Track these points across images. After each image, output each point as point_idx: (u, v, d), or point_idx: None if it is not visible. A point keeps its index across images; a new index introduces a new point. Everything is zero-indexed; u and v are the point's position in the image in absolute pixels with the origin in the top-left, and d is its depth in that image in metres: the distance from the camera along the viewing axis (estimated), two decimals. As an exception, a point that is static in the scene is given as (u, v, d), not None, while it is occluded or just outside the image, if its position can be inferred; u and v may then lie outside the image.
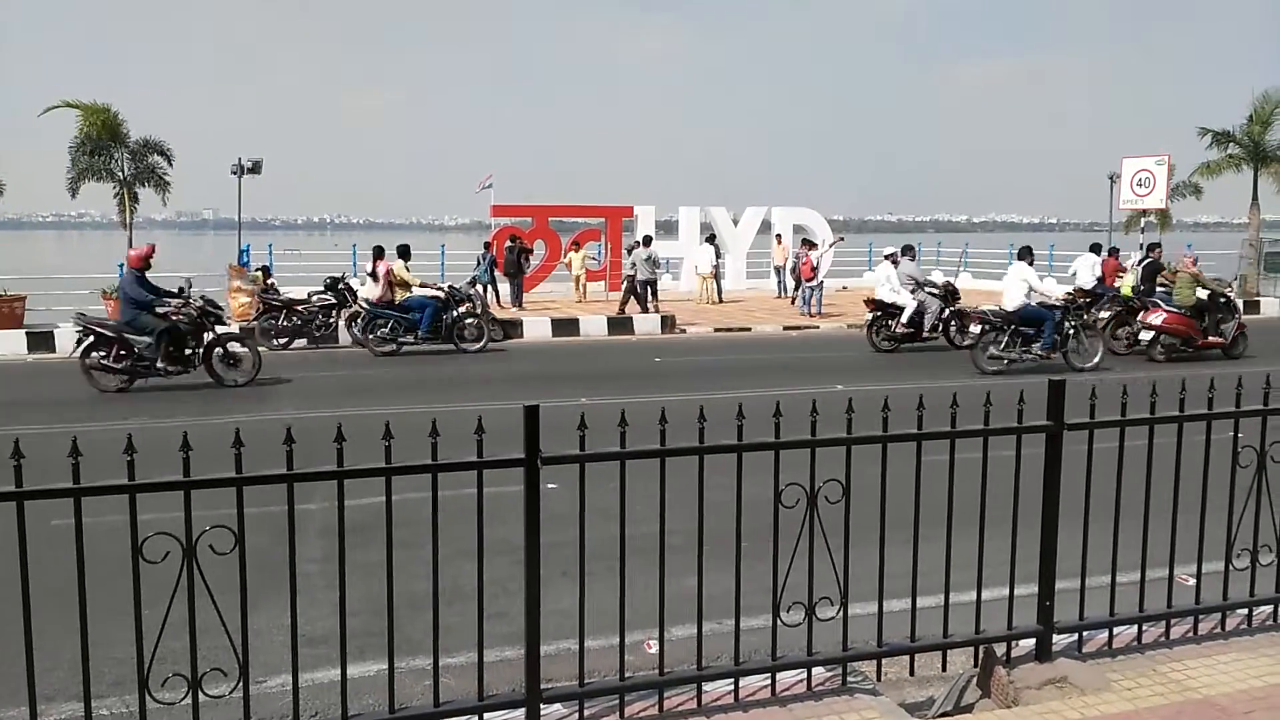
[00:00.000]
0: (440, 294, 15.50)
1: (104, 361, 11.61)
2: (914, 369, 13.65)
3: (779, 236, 25.84)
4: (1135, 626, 4.03)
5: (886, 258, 16.36)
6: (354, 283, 16.56)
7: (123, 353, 11.65)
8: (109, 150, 18.70)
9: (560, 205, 25.91)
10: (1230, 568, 4.08)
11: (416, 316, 15.06)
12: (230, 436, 2.96)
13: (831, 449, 3.51)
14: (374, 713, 3.35)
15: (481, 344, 15.48)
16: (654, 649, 3.69)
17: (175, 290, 12.22)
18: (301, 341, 16.17)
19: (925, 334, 15.62)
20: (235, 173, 21.56)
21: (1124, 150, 25.26)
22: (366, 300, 15.27)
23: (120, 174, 18.93)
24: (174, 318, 11.85)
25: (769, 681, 3.57)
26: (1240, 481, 4.01)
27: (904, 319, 15.43)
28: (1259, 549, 4.09)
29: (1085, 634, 3.97)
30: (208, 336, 12.12)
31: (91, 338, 11.62)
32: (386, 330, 15.08)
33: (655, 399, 10.26)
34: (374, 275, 15.44)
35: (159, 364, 11.70)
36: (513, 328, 17.79)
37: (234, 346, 12.46)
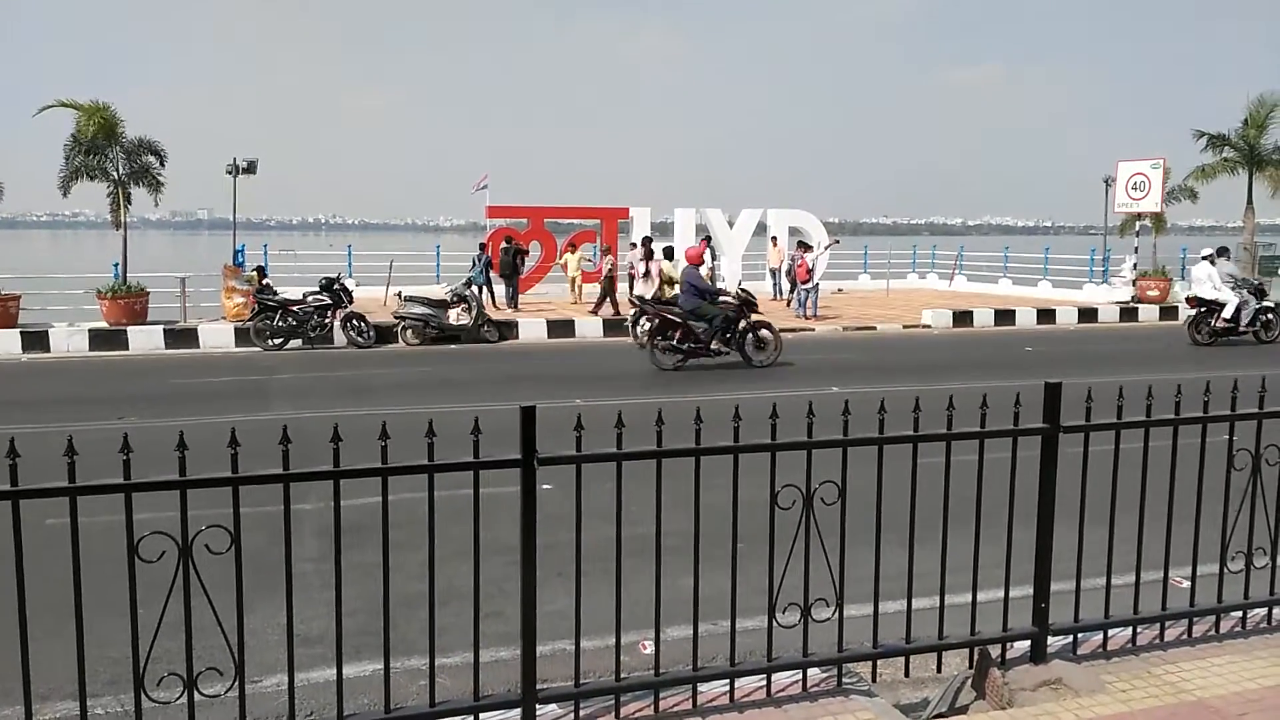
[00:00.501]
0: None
1: (669, 343, 13.67)
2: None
3: (774, 239, 25.85)
4: (1130, 629, 4.04)
5: (1204, 258, 17.16)
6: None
7: (684, 335, 13.60)
8: (103, 150, 18.59)
9: (556, 206, 25.88)
10: (1225, 570, 4.10)
11: None
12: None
13: (828, 450, 3.52)
14: (369, 712, 3.35)
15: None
16: (649, 650, 3.69)
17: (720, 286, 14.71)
18: (296, 342, 16.15)
19: (1241, 329, 16.58)
20: (230, 173, 21.50)
21: (1120, 153, 25.30)
22: (640, 297, 16.04)
23: (114, 173, 18.83)
24: (723, 307, 13.79)
25: (764, 682, 3.58)
26: (1235, 484, 4.03)
27: (1225, 314, 16.47)
28: (1254, 551, 4.10)
29: (1080, 636, 3.97)
30: (743, 323, 14.00)
31: (658, 321, 13.77)
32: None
33: (651, 400, 10.26)
34: (647, 273, 16.64)
35: (712, 346, 13.76)
36: (508, 329, 17.79)
37: (763, 333, 14.19)
